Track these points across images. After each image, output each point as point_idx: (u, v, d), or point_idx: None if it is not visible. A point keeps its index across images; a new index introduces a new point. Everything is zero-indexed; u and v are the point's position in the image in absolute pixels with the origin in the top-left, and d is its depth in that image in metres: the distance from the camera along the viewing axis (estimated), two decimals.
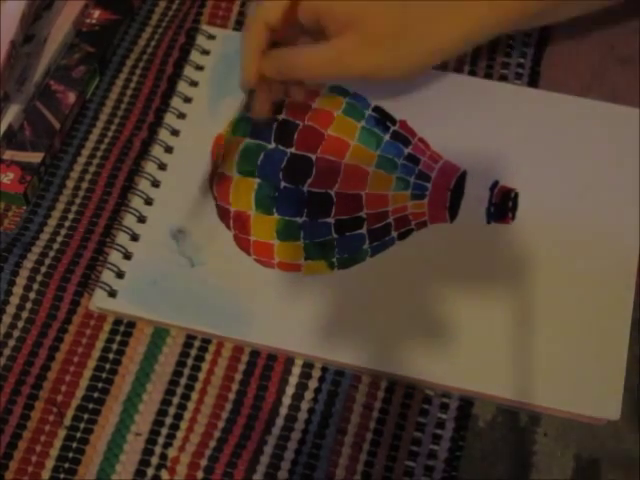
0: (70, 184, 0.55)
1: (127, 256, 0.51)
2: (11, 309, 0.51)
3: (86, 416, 0.49)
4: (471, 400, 0.49)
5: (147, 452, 0.48)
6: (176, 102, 0.56)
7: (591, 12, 0.52)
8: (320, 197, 0.53)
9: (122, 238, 0.52)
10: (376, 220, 0.52)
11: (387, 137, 0.54)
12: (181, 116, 0.56)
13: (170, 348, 0.50)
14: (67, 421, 0.49)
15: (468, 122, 0.55)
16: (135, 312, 0.50)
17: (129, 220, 0.53)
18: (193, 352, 0.50)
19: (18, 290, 0.52)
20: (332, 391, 0.49)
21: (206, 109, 0.56)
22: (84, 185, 0.55)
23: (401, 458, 0.48)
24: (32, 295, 0.52)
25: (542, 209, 0.52)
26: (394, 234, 0.52)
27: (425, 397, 0.49)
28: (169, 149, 0.55)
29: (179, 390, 0.49)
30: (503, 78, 0.58)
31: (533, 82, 0.58)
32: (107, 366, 0.50)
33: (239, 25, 0.60)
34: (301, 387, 0.49)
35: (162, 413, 0.49)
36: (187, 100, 0.56)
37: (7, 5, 0.55)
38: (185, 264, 0.51)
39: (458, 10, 0.47)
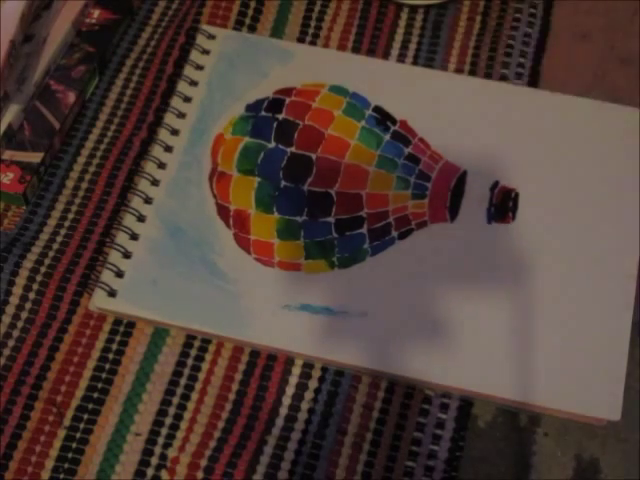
0: (70, 184, 0.55)
1: (127, 255, 0.51)
2: (11, 309, 0.51)
3: (86, 416, 0.49)
4: (471, 400, 0.49)
5: (147, 452, 0.48)
6: (176, 102, 0.56)
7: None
8: (320, 196, 0.53)
9: (122, 237, 0.52)
10: (376, 220, 0.52)
11: (387, 137, 0.54)
12: (181, 116, 0.56)
13: (170, 348, 0.50)
14: (67, 421, 0.49)
15: (468, 122, 0.55)
16: (135, 312, 0.50)
17: (129, 219, 0.53)
18: (193, 352, 0.50)
19: (18, 290, 0.52)
20: (332, 391, 0.49)
21: (206, 109, 0.56)
22: (84, 185, 0.55)
23: (401, 458, 0.48)
24: (32, 295, 0.52)
25: (542, 209, 0.52)
26: (394, 234, 0.52)
27: (425, 397, 0.49)
28: (169, 148, 0.55)
29: (179, 390, 0.49)
30: (503, 78, 0.58)
31: (533, 82, 0.58)
32: (107, 366, 0.50)
33: (239, 25, 0.60)
34: (301, 387, 0.49)
35: (162, 413, 0.49)
36: (187, 100, 0.56)
37: (7, 5, 0.55)
38: (185, 263, 0.51)
39: None
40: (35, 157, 0.55)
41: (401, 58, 0.59)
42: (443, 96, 0.56)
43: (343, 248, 0.51)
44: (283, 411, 0.49)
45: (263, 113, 0.55)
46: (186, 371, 0.50)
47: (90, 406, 0.49)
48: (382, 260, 0.51)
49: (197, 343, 0.51)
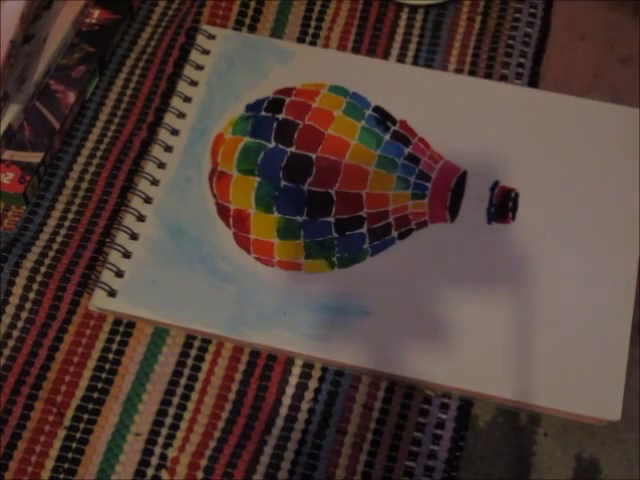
0: (70, 184, 0.55)
1: (126, 255, 0.51)
2: (11, 309, 0.51)
3: (86, 416, 0.49)
4: (471, 400, 0.49)
5: (147, 452, 0.48)
6: (176, 102, 0.56)
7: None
8: (320, 196, 0.53)
9: (121, 237, 0.52)
10: (376, 219, 0.52)
11: (387, 137, 0.54)
12: (181, 116, 0.56)
13: (170, 348, 0.50)
14: (67, 421, 0.49)
15: (468, 122, 0.55)
16: (135, 312, 0.50)
17: (129, 219, 0.53)
18: (193, 352, 0.50)
19: (18, 290, 0.52)
20: (332, 391, 0.49)
21: (206, 109, 0.56)
22: (84, 185, 0.55)
23: (401, 458, 0.48)
24: (32, 295, 0.52)
25: (542, 209, 0.52)
26: (394, 234, 0.52)
27: (425, 397, 0.49)
28: (169, 148, 0.55)
29: (179, 390, 0.49)
30: (503, 78, 0.58)
31: (533, 82, 0.58)
32: (107, 366, 0.50)
33: (239, 25, 0.60)
34: (301, 387, 0.49)
35: (162, 413, 0.49)
36: (187, 100, 0.56)
37: (7, 5, 0.55)
38: (185, 263, 0.51)
39: None
40: (35, 157, 0.55)
41: (401, 58, 0.59)
42: (443, 96, 0.56)
43: (343, 248, 0.51)
44: (283, 411, 0.49)
45: (263, 113, 0.55)
46: (186, 371, 0.50)
47: (90, 406, 0.49)
48: (382, 260, 0.51)
49: (197, 343, 0.51)
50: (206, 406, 0.49)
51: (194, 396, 0.49)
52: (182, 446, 0.48)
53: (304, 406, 0.49)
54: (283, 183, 0.53)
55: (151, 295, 0.50)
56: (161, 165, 0.54)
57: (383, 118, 0.55)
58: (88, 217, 0.54)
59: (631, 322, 0.49)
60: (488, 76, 0.58)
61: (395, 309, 0.50)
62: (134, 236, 0.52)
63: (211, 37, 0.58)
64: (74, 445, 0.48)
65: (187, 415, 0.49)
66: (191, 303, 0.50)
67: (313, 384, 0.50)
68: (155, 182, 0.54)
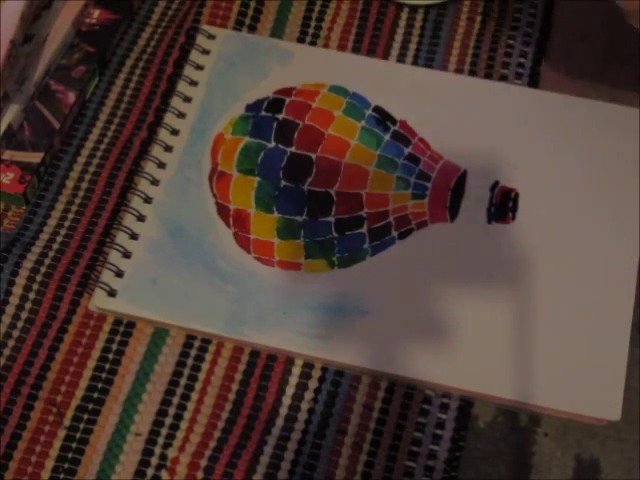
0: (70, 184, 0.55)
1: (126, 255, 0.51)
2: (11, 309, 0.51)
3: (86, 416, 0.49)
4: (471, 400, 0.49)
5: (147, 452, 0.48)
6: (176, 102, 0.56)
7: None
8: (320, 196, 0.53)
9: (121, 237, 0.52)
10: (376, 219, 0.52)
11: (387, 137, 0.54)
12: (181, 116, 0.56)
13: (170, 348, 0.50)
14: (67, 421, 0.49)
15: (468, 122, 0.55)
16: (135, 312, 0.50)
17: (129, 219, 0.53)
18: (193, 352, 0.50)
19: (18, 290, 0.52)
20: (332, 391, 0.49)
21: (206, 109, 0.56)
22: (84, 185, 0.55)
23: (401, 458, 0.48)
24: (32, 295, 0.52)
25: (542, 209, 0.52)
26: (394, 233, 0.52)
27: (425, 397, 0.49)
28: (169, 148, 0.55)
29: (179, 390, 0.49)
30: (503, 78, 0.58)
31: (533, 82, 0.58)
32: (107, 366, 0.50)
33: (239, 25, 0.60)
34: (301, 387, 0.49)
35: (162, 413, 0.49)
36: (187, 100, 0.56)
37: (7, 5, 0.55)
38: (185, 262, 0.51)
39: None
40: (35, 157, 0.55)
41: (401, 58, 0.59)
42: (443, 96, 0.56)
43: (343, 248, 0.51)
44: (283, 411, 0.49)
45: (263, 113, 0.55)
46: (186, 371, 0.50)
47: (90, 406, 0.49)
48: (382, 260, 0.51)
49: (197, 343, 0.51)
50: (206, 406, 0.49)
51: (194, 396, 0.49)
52: (182, 446, 0.48)
53: (304, 406, 0.49)
54: (283, 183, 0.53)
55: (151, 295, 0.50)
56: (161, 165, 0.54)
57: (383, 118, 0.55)
58: (88, 217, 0.54)
59: (631, 322, 0.49)
60: (488, 76, 0.58)
61: (395, 309, 0.50)
62: (134, 236, 0.52)
63: (211, 37, 0.58)
64: (74, 445, 0.48)
65: (187, 415, 0.49)
66: (191, 303, 0.50)
67: (313, 384, 0.50)
68: (155, 182, 0.54)
